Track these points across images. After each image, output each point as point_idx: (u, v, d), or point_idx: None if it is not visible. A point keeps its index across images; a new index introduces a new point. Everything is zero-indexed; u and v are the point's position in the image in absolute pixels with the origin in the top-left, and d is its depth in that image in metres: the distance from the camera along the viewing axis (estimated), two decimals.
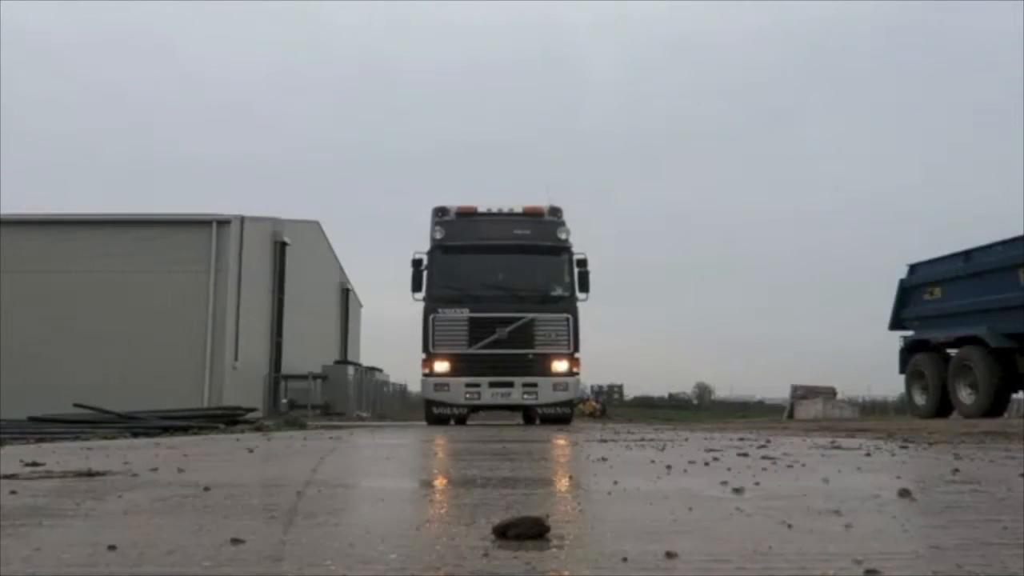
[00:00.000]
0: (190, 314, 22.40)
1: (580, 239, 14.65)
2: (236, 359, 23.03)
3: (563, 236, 14.32)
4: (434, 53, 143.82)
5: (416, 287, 14.11)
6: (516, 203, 14.78)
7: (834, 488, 2.92)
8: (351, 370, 28.75)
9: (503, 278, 14.29)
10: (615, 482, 3.13)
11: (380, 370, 33.52)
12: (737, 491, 2.73)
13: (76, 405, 11.32)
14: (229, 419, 11.88)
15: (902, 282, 16.00)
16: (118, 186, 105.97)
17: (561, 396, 13.75)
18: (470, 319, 13.69)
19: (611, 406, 48.60)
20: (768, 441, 6.25)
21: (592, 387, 50.32)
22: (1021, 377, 13.31)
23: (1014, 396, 14.93)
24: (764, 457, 4.40)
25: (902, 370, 15.96)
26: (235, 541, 1.76)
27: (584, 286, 14.18)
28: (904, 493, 2.61)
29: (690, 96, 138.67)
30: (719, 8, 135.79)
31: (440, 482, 3.45)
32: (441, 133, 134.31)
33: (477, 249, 14.15)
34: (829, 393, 41.17)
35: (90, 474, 3.44)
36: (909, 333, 15.94)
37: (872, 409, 43.71)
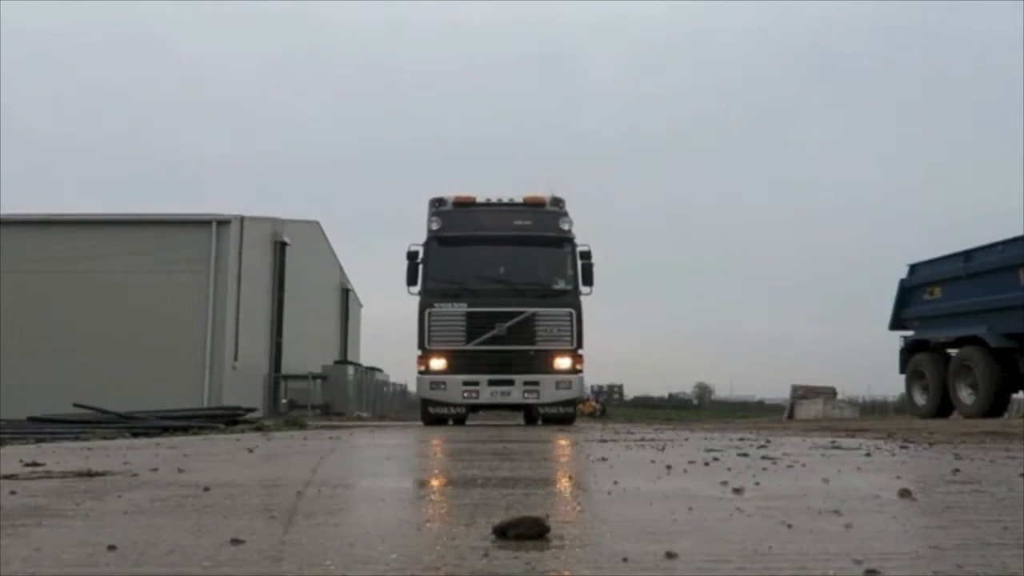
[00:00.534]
0: (190, 314, 22.40)
1: (580, 238, 14.08)
2: (236, 359, 23.04)
3: (566, 227, 13.69)
4: (434, 53, 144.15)
5: (411, 281, 13.48)
6: (516, 194, 14.09)
7: (834, 488, 2.91)
8: (351, 370, 28.77)
9: (503, 271, 13.71)
10: (615, 482, 3.12)
11: (380, 370, 33.53)
12: (737, 491, 2.73)
13: (76, 405, 11.31)
14: (229, 419, 11.87)
15: (902, 282, 16.00)
16: (118, 186, 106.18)
17: (564, 395, 13.14)
18: (468, 314, 13.08)
19: (611, 406, 48.65)
20: (768, 441, 6.25)
21: (592, 387, 50.35)
22: (1021, 377, 13.31)
23: (1014, 396, 14.93)
24: (764, 457, 4.40)
25: (902, 370, 15.96)
26: (235, 541, 1.76)
27: (588, 279, 13.57)
28: (904, 493, 2.61)
29: (690, 96, 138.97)
30: (719, 8, 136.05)
31: (440, 482, 3.45)
32: (441, 133, 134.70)
33: (475, 240, 13.55)
34: (829, 393, 41.15)
35: (90, 474, 3.43)
36: (909, 333, 15.94)
37: (872, 409, 43.73)
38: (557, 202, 13.87)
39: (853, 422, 16.50)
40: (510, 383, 12.99)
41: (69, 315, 22.26)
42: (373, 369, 32.28)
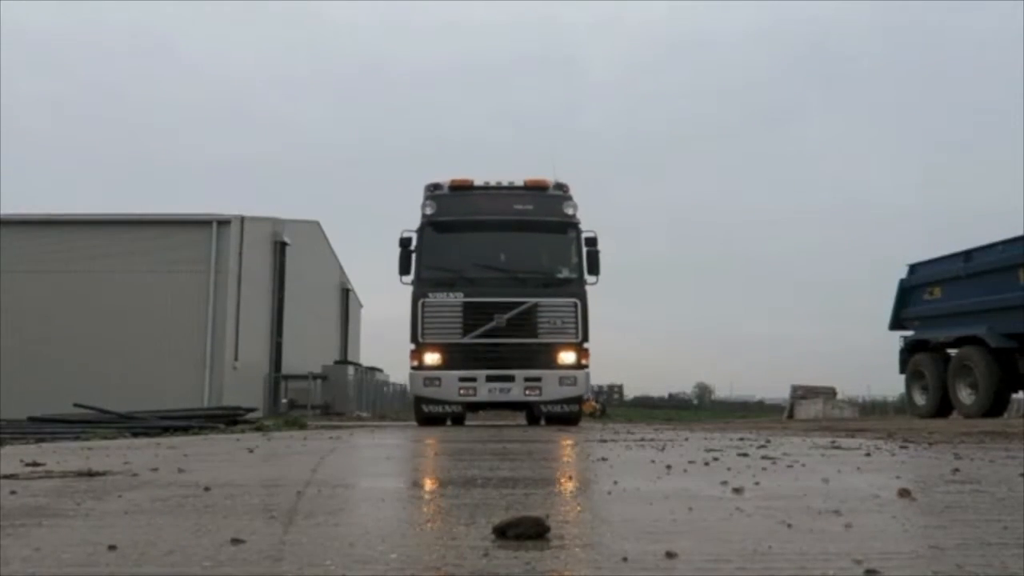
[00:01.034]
0: (190, 314, 22.42)
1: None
2: (236, 359, 23.05)
3: (570, 211, 12.70)
4: (434, 53, 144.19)
5: (404, 269, 12.56)
6: (517, 178, 13.08)
7: (834, 488, 2.91)
8: (351, 370, 28.79)
9: (502, 258, 12.75)
10: (615, 482, 3.13)
11: (380, 370, 33.55)
12: (737, 491, 2.73)
13: (76, 405, 11.32)
14: (229, 419, 11.86)
15: (902, 282, 16.01)
16: (118, 186, 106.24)
17: (568, 392, 12.20)
18: (464, 304, 12.16)
19: (611, 406, 48.59)
20: (768, 441, 6.25)
21: (592, 387, 50.24)
22: (1021, 377, 13.32)
23: (1014, 396, 14.95)
24: (764, 457, 4.40)
25: (902, 370, 15.97)
26: (235, 541, 1.76)
27: (594, 267, 12.61)
28: (904, 493, 2.61)
29: (690, 96, 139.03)
30: (719, 8, 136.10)
31: (440, 482, 3.45)
32: (441, 133, 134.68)
33: (472, 225, 12.62)
34: (829, 393, 41.15)
35: (90, 474, 3.43)
36: (909, 333, 15.95)
37: (872, 409, 43.74)
38: (560, 186, 12.98)
39: (853, 422, 16.50)
40: (510, 379, 12.11)
41: (69, 315, 22.27)
42: (373, 369, 32.29)
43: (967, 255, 14.35)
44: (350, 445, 6.49)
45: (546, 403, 12.21)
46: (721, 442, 6.15)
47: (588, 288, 12.57)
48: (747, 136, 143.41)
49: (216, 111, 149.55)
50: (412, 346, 12.35)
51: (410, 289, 12.49)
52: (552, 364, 12.14)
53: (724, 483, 2.99)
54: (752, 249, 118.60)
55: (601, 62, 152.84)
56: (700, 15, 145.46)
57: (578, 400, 12.58)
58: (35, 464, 3.85)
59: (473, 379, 12.08)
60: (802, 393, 40.90)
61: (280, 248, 26.51)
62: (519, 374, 12.10)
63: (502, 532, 1.81)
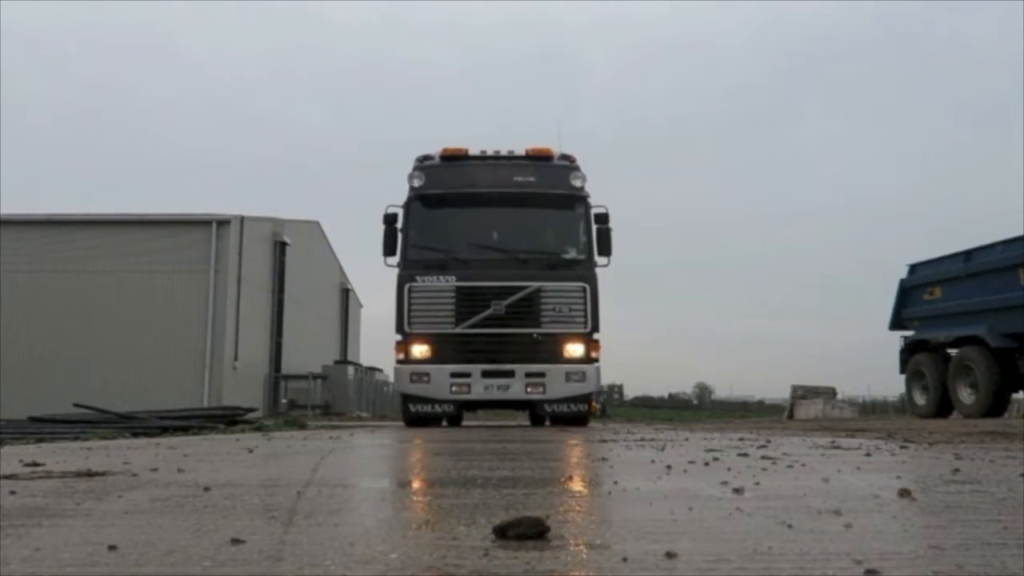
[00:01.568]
0: (190, 314, 22.43)
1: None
2: (236, 359, 23.06)
3: (578, 183, 11.20)
4: (433, 52, 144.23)
5: (389, 250, 11.09)
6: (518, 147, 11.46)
7: (834, 488, 2.91)
8: (351, 370, 28.80)
9: (500, 237, 11.26)
10: (615, 482, 3.13)
11: (380, 370, 33.52)
12: (737, 491, 2.73)
13: (76, 405, 11.32)
14: (229, 419, 11.86)
15: (902, 282, 16.02)
16: (118, 186, 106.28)
17: (576, 389, 10.71)
18: (457, 289, 10.77)
19: (611, 406, 48.54)
20: (768, 441, 6.24)
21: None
22: (1021, 377, 13.33)
23: (1014, 396, 14.96)
24: (764, 457, 4.40)
25: (902, 370, 15.99)
26: (235, 541, 1.76)
27: (605, 247, 11.11)
28: (904, 493, 2.61)
29: (690, 96, 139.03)
30: (719, 8, 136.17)
31: (440, 482, 3.45)
32: (441, 133, 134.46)
33: (466, 200, 11.13)
34: (829, 393, 41.10)
35: (90, 474, 3.43)
36: (909, 333, 15.96)
37: (872, 409, 43.76)
38: (567, 156, 11.48)
39: (853, 422, 16.50)
40: (509, 375, 10.71)
41: (69, 315, 22.29)
42: (373, 369, 32.29)
43: (967, 255, 14.36)
44: (350, 445, 6.49)
45: (551, 402, 10.78)
46: (721, 442, 6.15)
47: (598, 271, 11.17)
48: (747, 136, 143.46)
49: (216, 111, 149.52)
50: (398, 337, 11.00)
51: (395, 271, 11.14)
52: (557, 357, 10.75)
53: (724, 483, 2.99)
54: (752, 249, 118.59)
55: (601, 62, 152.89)
56: (700, 15, 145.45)
57: (587, 399, 11.06)
58: (35, 464, 3.84)
59: (467, 374, 10.70)
60: (802, 393, 40.86)
61: (280, 248, 26.53)
62: (519, 369, 10.71)
63: (502, 532, 1.81)
